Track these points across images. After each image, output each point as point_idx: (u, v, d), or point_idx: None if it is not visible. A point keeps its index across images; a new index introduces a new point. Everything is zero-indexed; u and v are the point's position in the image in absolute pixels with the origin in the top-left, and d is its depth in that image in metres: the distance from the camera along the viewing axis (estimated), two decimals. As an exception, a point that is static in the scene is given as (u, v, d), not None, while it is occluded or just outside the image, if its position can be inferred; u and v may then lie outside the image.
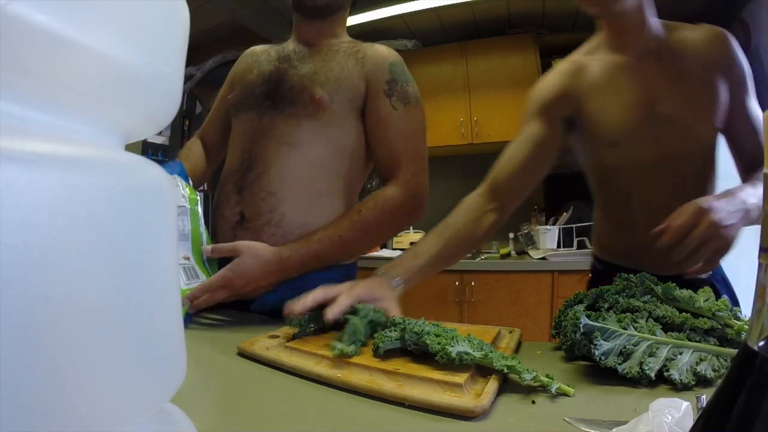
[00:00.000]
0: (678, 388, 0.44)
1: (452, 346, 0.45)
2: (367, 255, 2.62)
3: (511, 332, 0.62)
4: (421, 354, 0.49)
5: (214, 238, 0.92)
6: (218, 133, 1.03)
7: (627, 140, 0.80)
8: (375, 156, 0.92)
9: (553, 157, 0.87)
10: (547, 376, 0.45)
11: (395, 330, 0.51)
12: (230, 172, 0.91)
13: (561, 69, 0.88)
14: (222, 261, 0.82)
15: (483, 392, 0.42)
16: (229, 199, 0.88)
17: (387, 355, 0.49)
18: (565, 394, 0.44)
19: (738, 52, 0.76)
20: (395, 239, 2.85)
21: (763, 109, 0.61)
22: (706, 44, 0.76)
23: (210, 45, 2.57)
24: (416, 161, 0.89)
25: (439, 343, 0.46)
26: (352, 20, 2.57)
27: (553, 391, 0.43)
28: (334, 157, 0.89)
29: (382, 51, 0.93)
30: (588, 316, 0.51)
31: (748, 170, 0.77)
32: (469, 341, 0.48)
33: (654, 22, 0.78)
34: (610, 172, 0.87)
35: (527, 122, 0.89)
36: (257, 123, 0.90)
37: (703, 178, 0.80)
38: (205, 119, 1.11)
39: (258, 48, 1.03)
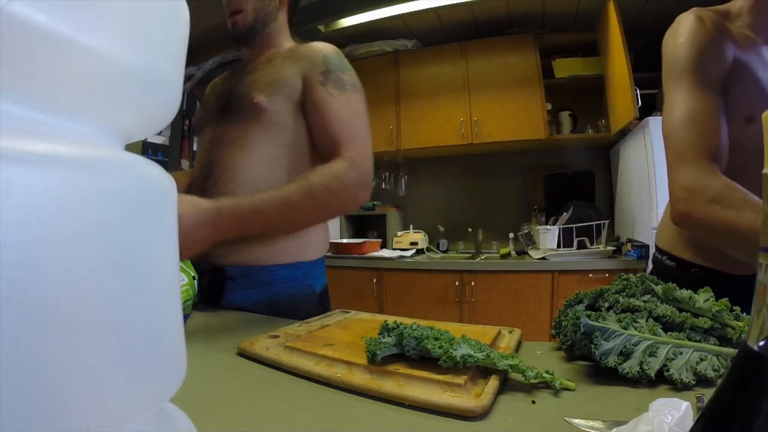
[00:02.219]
0: (678, 387, 0.44)
1: (455, 350, 0.45)
2: (367, 255, 2.63)
3: (511, 332, 0.62)
4: (419, 359, 0.49)
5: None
6: None
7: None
8: (317, 143, 0.94)
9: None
10: (547, 372, 0.45)
11: (390, 336, 0.50)
12: (194, 182, 0.97)
13: (707, 17, 0.77)
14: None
15: (483, 392, 0.42)
16: None
17: (383, 362, 0.48)
18: (568, 389, 0.44)
19: None
20: (395, 239, 2.85)
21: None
22: None
23: (210, 45, 2.57)
24: (357, 143, 0.89)
25: (440, 347, 0.46)
26: (352, 20, 2.58)
27: (557, 386, 0.44)
28: (282, 154, 0.93)
29: (316, 46, 0.96)
30: (588, 316, 0.51)
31: None
32: (468, 343, 0.48)
33: None
34: (734, 151, 0.75)
35: (701, 73, 0.75)
36: (212, 134, 0.98)
37: None
38: None
39: (218, 78, 1.13)
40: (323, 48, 0.96)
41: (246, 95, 0.93)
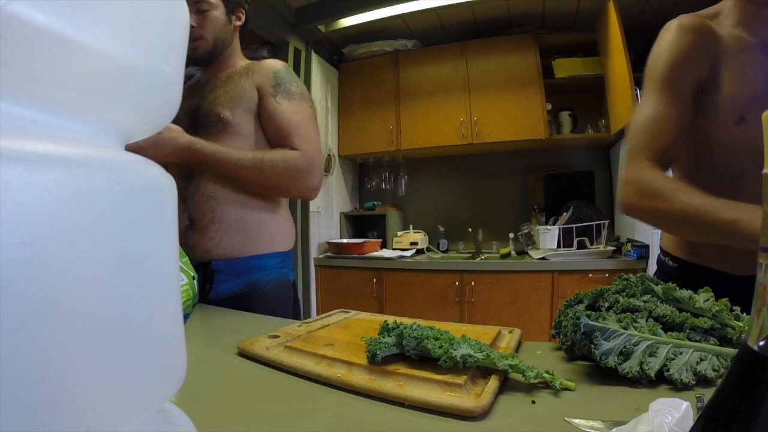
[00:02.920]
0: (678, 387, 0.44)
1: (455, 350, 0.45)
2: (367, 255, 2.63)
3: (511, 332, 0.62)
4: (419, 359, 0.49)
5: None
6: None
7: (755, 116, 0.75)
8: (274, 146, 1.07)
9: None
10: (547, 372, 0.45)
11: (390, 336, 0.51)
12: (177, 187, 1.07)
13: (689, 24, 0.78)
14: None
15: (483, 392, 0.42)
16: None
17: (383, 362, 0.49)
18: (567, 389, 0.44)
19: None
20: (395, 239, 2.85)
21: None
22: None
23: (210, 45, 2.56)
24: (307, 142, 1.05)
25: (440, 347, 0.46)
26: (352, 20, 2.57)
27: (557, 386, 0.44)
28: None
29: (268, 63, 1.11)
30: (588, 316, 0.51)
31: None
32: (468, 343, 0.48)
33: None
34: (726, 152, 0.78)
35: (669, 81, 0.79)
36: None
37: None
38: None
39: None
40: (273, 64, 1.10)
41: (212, 111, 1.05)
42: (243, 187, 1.04)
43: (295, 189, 1.05)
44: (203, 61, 1.11)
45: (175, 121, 1.12)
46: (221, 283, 1.01)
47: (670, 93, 0.78)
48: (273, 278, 1.08)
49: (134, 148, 0.88)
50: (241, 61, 1.16)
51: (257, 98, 1.06)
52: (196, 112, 1.09)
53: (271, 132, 1.07)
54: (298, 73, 2.19)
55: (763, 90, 0.73)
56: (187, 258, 0.91)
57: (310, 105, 1.10)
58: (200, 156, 0.96)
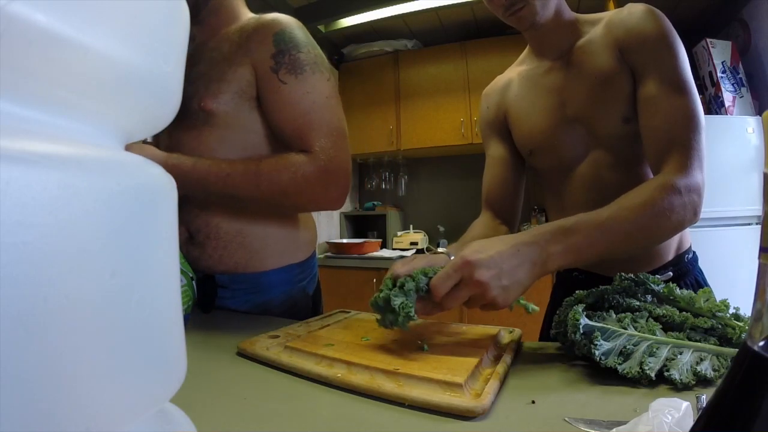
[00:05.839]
0: (678, 388, 0.44)
1: None
2: (367, 255, 2.63)
3: (511, 332, 0.62)
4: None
5: None
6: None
7: (541, 148, 0.84)
8: (281, 139, 0.81)
9: (523, 167, 0.94)
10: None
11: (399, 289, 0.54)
12: None
13: (495, 85, 0.97)
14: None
15: (483, 392, 0.42)
16: None
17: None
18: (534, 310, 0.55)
19: (648, 25, 0.70)
20: (395, 239, 2.85)
21: (764, 110, 0.59)
22: (615, 31, 0.73)
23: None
24: (325, 135, 0.77)
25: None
26: (352, 20, 2.58)
27: (529, 310, 0.55)
28: (241, 157, 0.82)
29: (264, 24, 0.79)
30: (588, 316, 0.51)
31: (652, 160, 0.68)
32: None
33: (569, 22, 0.79)
34: (541, 177, 0.92)
35: (485, 145, 0.99)
36: (168, 140, 0.87)
37: (624, 167, 0.76)
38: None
39: None
40: (272, 25, 0.78)
41: (191, 96, 0.80)
42: (236, 202, 0.81)
43: (310, 203, 0.79)
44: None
45: None
46: (228, 299, 0.86)
47: (489, 145, 0.99)
48: (288, 297, 0.89)
49: None
50: (243, 16, 0.86)
51: (252, 76, 0.78)
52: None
53: (275, 122, 0.79)
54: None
55: (541, 121, 0.82)
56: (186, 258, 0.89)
57: (326, 78, 0.80)
58: (178, 173, 0.72)
